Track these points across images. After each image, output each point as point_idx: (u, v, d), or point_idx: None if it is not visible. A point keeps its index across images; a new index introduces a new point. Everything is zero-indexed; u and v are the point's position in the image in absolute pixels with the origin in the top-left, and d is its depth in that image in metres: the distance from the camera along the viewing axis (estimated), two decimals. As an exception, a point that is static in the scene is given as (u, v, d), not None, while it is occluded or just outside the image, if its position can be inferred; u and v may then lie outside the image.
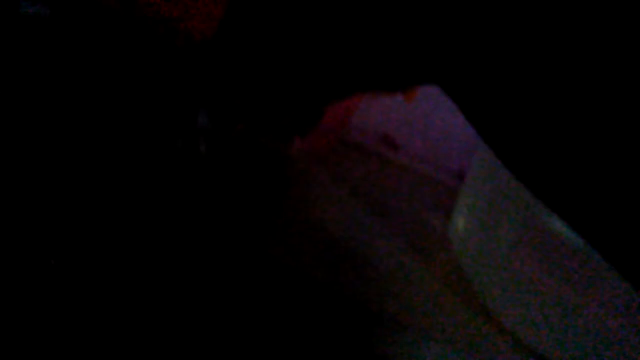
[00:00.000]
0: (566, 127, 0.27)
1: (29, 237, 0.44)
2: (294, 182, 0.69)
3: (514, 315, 0.59)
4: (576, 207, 0.29)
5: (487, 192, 0.63)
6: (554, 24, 0.27)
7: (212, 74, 0.39)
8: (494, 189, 0.62)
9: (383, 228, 0.68)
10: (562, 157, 0.28)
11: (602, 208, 0.27)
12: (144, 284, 0.47)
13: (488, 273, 0.61)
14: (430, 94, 0.95)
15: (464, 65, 0.30)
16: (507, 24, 0.28)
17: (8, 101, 0.53)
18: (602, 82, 0.26)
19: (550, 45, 0.27)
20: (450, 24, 0.30)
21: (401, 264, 0.63)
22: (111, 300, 0.44)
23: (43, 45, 0.58)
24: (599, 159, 0.26)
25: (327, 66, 0.34)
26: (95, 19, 0.64)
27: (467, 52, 0.30)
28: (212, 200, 0.57)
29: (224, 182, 0.60)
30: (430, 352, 0.56)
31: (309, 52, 0.34)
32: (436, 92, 0.99)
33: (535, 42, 0.28)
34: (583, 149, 0.27)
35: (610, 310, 0.52)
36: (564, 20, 0.27)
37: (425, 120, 0.91)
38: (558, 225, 0.52)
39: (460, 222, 0.68)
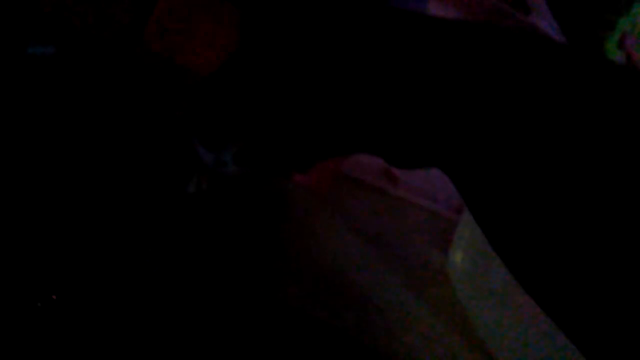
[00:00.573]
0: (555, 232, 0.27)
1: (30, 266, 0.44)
2: (292, 217, 0.70)
3: (511, 350, 0.59)
4: (558, 308, 0.29)
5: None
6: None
7: (210, 107, 0.40)
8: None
9: (383, 263, 0.69)
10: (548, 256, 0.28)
11: (584, 315, 0.27)
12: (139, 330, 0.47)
13: (485, 307, 0.61)
14: None
15: (461, 153, 0.31)
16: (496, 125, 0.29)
17: (12, 140, 0.54)
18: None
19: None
20: (448, 122, 0.31)
21: (400, 300, 0.64)
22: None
23: (48, 84, 0.60)
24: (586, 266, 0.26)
25: (329, 129, 0.35)
26: (99, 58, 0.65)
27: (464, 142, 0.30)
28: (211, 239, 0.58)
29: (222, 220, 0.61)
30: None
31: (311, 105, 0.35)
32: None
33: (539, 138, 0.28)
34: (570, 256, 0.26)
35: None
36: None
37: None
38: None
39: (458, 256, 0.69)
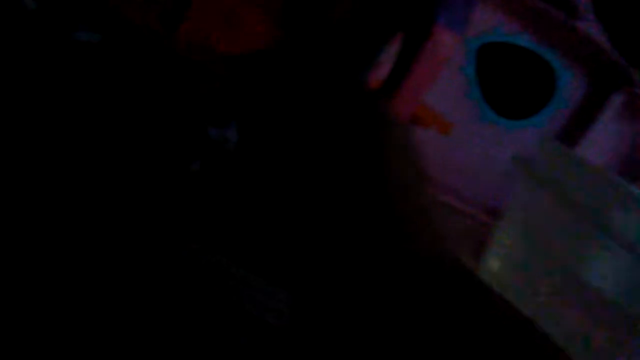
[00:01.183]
0: None
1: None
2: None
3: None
4: None
5: (525, 236, 0.62)
6: None
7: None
8: (531, 233, 0.61)
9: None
10: None
11: None
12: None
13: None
14: (472, 130, 0.95)
15: None
16: None
17: (59, 126, 0.54)
18: None
19: None
20: None
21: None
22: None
23: (93, 70, 0.60)
24: None
25: None
26: (142, 46, 0.66)
27: None
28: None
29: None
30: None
31: None
32: (477, 128, 0.98)
33: None
34: None
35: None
36: None
37: (463, 154, 0.91)
38: (596, 278, 0.51)
39: (494, 263, 0.67)
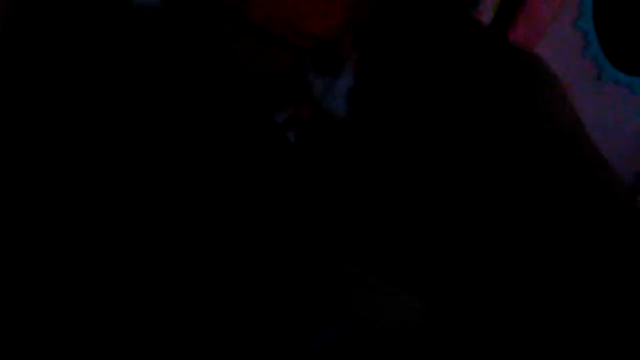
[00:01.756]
0: None
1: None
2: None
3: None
4: None
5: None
6: None
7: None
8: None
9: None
10: None
11: None
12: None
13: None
14: (590, 91, 0.85)
15: None
16: None
17: (123, 88, 0.53)
18: None
19: None
20: None
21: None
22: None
23: (154, 34, 0.58)
24: None
25: None
26: (205, 12, 0.63)
27: None
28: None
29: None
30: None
31: None
32: (596, 88, 0.89)
33: None
34: None
35: None
36: None
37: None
38: None
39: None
